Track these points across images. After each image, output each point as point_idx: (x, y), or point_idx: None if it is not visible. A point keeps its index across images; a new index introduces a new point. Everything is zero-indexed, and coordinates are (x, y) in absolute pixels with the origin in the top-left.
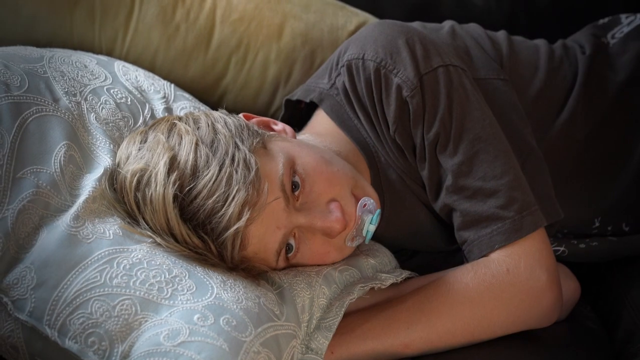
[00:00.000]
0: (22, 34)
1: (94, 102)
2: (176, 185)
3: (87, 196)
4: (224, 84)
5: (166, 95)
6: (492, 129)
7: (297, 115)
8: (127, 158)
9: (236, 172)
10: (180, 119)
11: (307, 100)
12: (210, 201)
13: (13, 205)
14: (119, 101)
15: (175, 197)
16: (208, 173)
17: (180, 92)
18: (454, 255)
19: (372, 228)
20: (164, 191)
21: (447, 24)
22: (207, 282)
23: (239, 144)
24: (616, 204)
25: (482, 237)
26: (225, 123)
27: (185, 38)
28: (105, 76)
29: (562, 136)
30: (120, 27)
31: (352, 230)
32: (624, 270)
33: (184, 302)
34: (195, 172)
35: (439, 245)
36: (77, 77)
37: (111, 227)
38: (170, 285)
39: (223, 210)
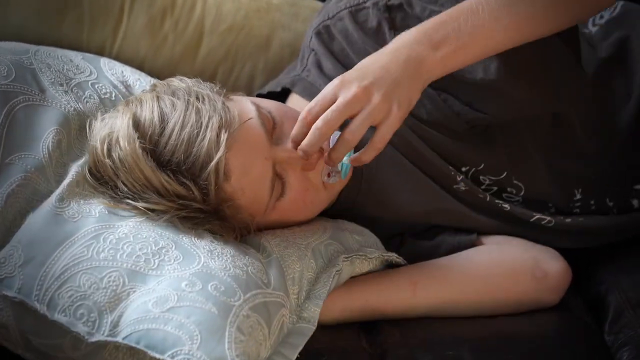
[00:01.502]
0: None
1: (78, 95)
2: (145, 136)
3: (70, 180)
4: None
5: None
6: None
7: None
8: (93, 131)
9: (204, 104)
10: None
11: (279, 89)
12: (186, 132)
13: (2, 189)
14: (103, 96)
15: (144, 149)
16: (176, 112)
17: None
18: (439, 247)
19: (347, 161)
20: (131, 146)
21: None
22: (194, 252)
23: (200, 89)
24: (597, 176)
25: None
26: (180, 80)
27: (173, 48)
28: (91, 71)
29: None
30: (108, 35)
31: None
32: (615, 262)
33: (172, 271)
34: (163, 117)
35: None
36: (63, 70)
37: (96, 207)
38: (157, 256)
39: (199, 137)
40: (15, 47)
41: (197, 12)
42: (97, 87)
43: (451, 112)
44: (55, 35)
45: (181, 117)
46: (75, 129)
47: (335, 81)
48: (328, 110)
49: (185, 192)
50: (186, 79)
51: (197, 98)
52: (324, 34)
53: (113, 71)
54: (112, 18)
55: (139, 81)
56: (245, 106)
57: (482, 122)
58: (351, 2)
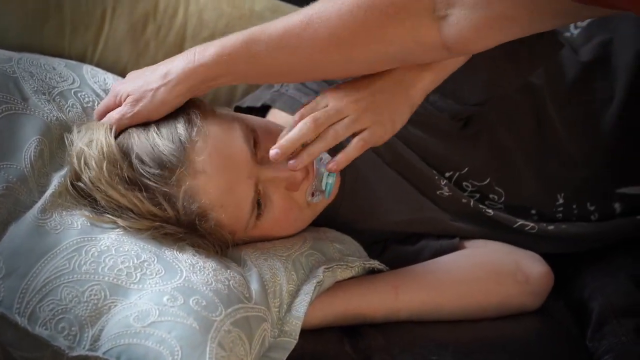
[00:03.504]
0: None
1: (61, 104)
2: (121, 152)
3: (53, 190)
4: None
5: None
6: None
7: None
8: (72, 143)
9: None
10: None
11: (259, 105)
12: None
13: None
14: (85, 105)
15: (115, 173)
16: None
17: None
18: (421, 251)
19: (331, 180)
20: (100, 168)
21: None
22: (176, 266)
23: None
24: (581, 180)
25: None
26: None
27: (155, 54)
28: (73, 79)
29: (527, 117)
30: (89, 42)
31: (312, 184)
32: (599, 267)
33: (153, 285)
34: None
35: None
36: (46, 78)
37: (79, 219)
38: (139, 270)
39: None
40: None
41: (179, 19)
42: (80, 95)
43: (434, 109)
44: (37, 41)
45: (157, 135)
46: (57, 139)
47: (326, 92)
48: (317, 113)
49: (160, 212)
50: None
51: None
52: None
53: (96, 79)
54: (93, 24)
55: None
56: (231, 123)
57: (466, 113)
58: None
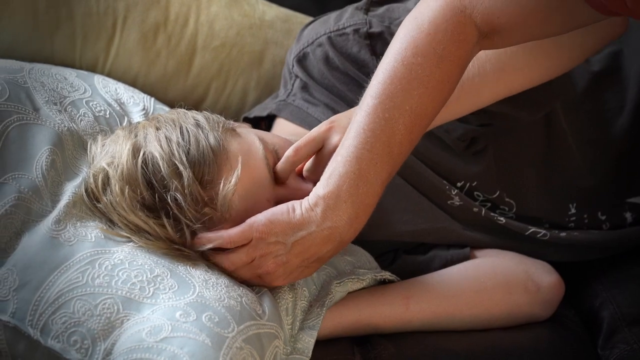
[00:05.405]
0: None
1: (73, 113)
2: (144, 173)
3: (67, 201)
4: (202, 108)
5: (145, 107)
6: None
7: None
8: (92, 157)
9: (207, 137)
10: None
11: (265, 114)
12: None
13: None
14: (97, 114)
15: (136, 199)
16: (180, 149)
17: (160, 106)
18: (432, 261)
19: None
20: (123, 194)
21: None
22: (189, 281)
23: (205, 124)
24: (591, 189)
25: None
26: (184, 114)
27: (165, 64)
28: (85, 89)
29: (537, 127)
30: (101, 51)
31: None
32: (609, 276)
33: (166, 300)
34: (164, 156)
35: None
36: (57, 88)
37: (93, 231)
38: (152, 284)
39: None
40: (9, 65)
41: (190, 29)
42: (92, 104)
43: (441, 130)
44: (48, 51)
45: (184, 157)
46: (70, 148)
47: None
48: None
49: (180, 239)
50: (188, 113)
51: (198, 125)
52: (304, 61)
53: (107, 89)
54: (104, 34)
55: (133, 98)
56: (253, 145)
57: (472, 134)
58: (330, 27)
